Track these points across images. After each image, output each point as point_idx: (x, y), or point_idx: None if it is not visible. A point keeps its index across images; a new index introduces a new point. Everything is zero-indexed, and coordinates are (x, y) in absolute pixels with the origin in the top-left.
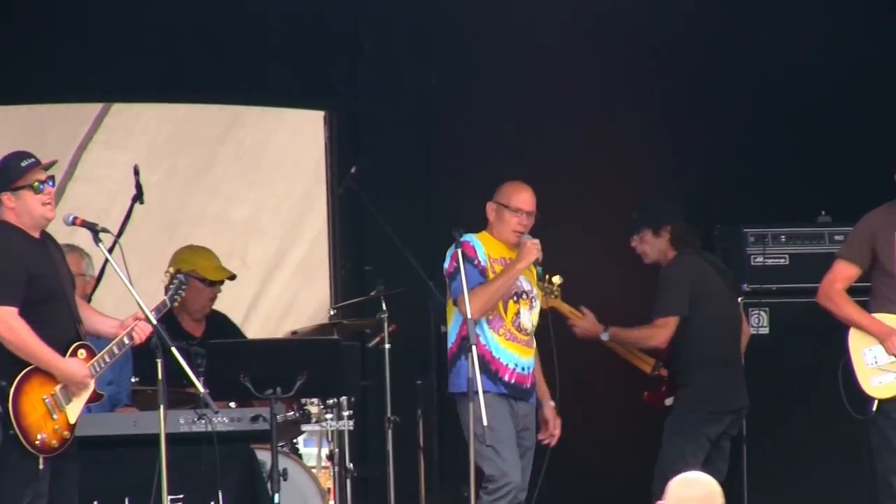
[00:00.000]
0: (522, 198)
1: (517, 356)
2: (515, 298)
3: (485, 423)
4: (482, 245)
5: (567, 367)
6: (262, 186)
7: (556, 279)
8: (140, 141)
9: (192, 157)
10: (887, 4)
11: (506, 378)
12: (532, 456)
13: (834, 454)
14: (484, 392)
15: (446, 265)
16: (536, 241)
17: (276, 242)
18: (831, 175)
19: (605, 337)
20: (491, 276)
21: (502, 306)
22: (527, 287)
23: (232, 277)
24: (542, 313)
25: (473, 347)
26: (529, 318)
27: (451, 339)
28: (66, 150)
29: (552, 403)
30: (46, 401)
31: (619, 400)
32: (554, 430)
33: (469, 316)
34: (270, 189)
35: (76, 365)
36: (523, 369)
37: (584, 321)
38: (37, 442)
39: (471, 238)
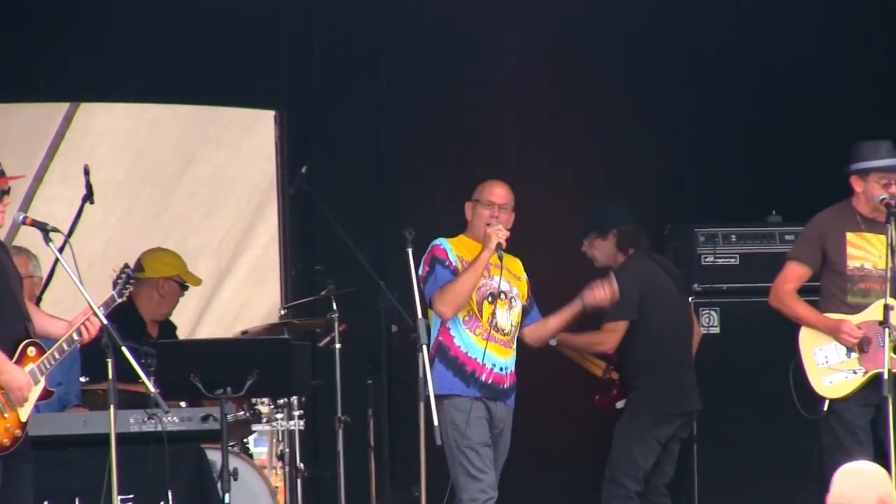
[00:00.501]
0: (493, 191)
1: (495, 356)
2: (490, 299)
3: (435, 422)
4: (452, 247)
5: (519, 371)
6: (218, 212)
7: None
8: (96, 176)
9: (149, 198)
10: (835, 8)
11: (483, 378)
12: (503, 460)
13: (785, 454)
14: (456, 396)
15: (420, 271)
16: (499, 226)
17: (230, 252)
18: (782, 175)
19: (553, 342)
20: None
21: (476, 307)
22: (505, 287)
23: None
24: None
25: (424, 348)
26: (508, 319)
27: (431, 343)
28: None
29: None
30: None
31: (570, 403)
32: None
33: (420, 316)
34: (225, 211)
35: (17, 373)
36: (501, 370)
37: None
38: None
39: (440, 241)
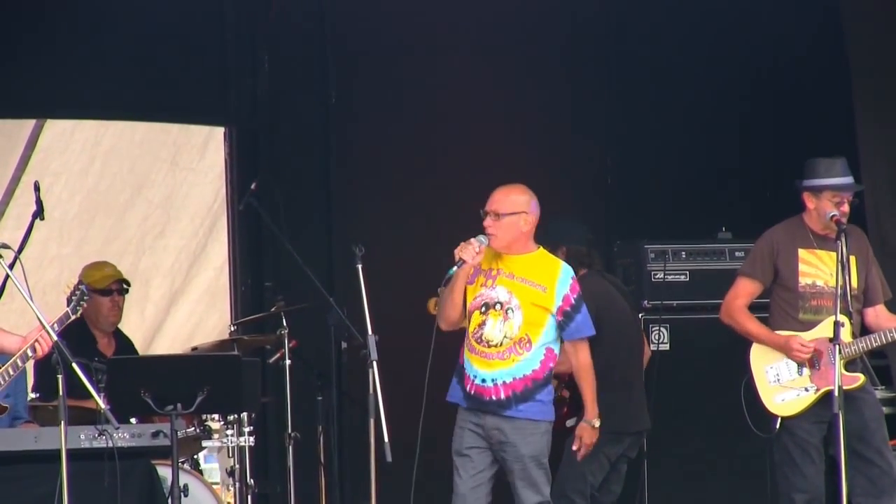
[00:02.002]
0: (489, 199)
1: (477, 368)
2: (483, 310)
3: (385, 439)
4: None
5: None
6: (170, 233)
7: None
8: (52, 215)
9: (102, 227)
10: (784, 23)
11: (467, 388)
12: (516, 468)
13: (736, 471)
14: (452, 402)
15: None
16: (467, 241)
17: (183, 273)
18: (732, 191)
19: None
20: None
21: (468, 318)
22: (503, 297)
23: (124, 283)
24: None
25: (374, 364)
26: (501, 330)
27: None
28: None
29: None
30: None
31: None
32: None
33: (370, 332)
34: (178, 231)
35: None
36: (484, 381)
37: None
38: None
39: None
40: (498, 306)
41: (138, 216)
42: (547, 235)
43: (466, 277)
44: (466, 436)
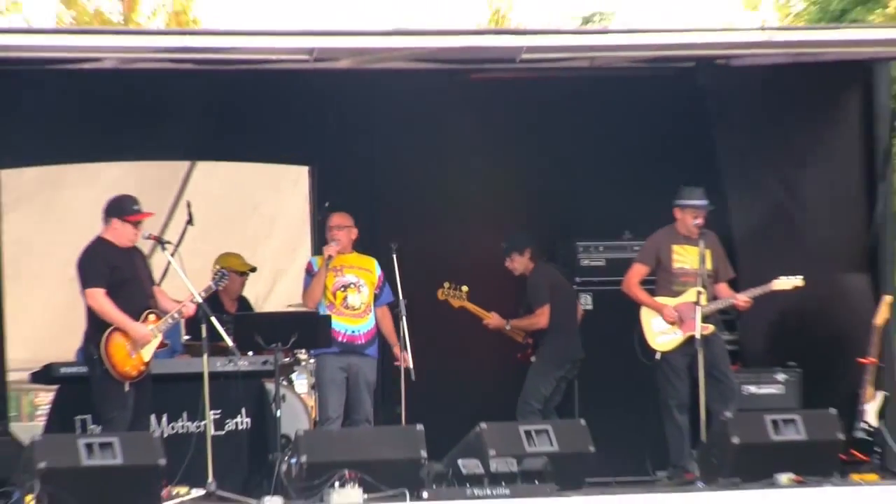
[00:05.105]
0: (331, 219)
1: (347, 325)
2: (343, 289)
3: (410, 365)
4: (317, 259)
5: (466, 344)
6: (272, 237)
7: (465, 288)
8: (198, 224)
9: (221, 232)
10: (676, 105)
11: (339, 339)
12: (369, 389)
13: (633, 387)
14: (323, 353)
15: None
16: (331, 243)
17: (279, 266)
18: (633, 205)
19: (508, 327)
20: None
21: (332, 295)
22: (353, 280)
23: (253, 269)
24: (454, 310)
25: (404, 318)
26: (358, 299)
27: None
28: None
29: (399, 348)
30: (127, 346)
31: (494, 359)
32: (402, 361)
33: (402, 298)
34: (278, 239)
35: (140, 328)
36: (353, 332)
37: (493, 319)
38: (122, 372)
39: (311, 258)
40: (353, 286)
41: (249, 227)
42: (515, 243)
43: (325, 271)
44: (337, 373)
